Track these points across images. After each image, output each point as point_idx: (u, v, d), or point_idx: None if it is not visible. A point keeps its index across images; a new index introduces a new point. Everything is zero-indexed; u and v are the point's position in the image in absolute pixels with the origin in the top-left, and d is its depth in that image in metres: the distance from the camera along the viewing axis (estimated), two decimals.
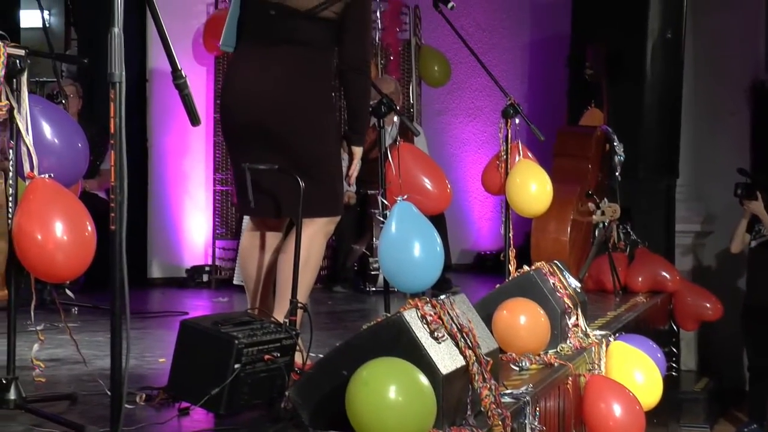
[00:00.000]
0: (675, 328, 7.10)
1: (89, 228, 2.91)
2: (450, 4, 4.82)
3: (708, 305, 7.01)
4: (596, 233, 6.49)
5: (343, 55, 3.91)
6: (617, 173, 6.49)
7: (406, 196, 4.20)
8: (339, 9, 3.83)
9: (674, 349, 7.07)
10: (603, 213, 6.36)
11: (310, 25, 3.85)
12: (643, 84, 7.30)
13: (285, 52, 3.85)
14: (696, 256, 8.70)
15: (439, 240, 4.15)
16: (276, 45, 3.84)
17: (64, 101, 5.82)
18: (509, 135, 5.02)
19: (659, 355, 5.08)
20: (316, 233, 3.85)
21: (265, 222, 4.01)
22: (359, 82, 3.94)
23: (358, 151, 4.02)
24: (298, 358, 3.36)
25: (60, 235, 2.85)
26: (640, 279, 6.67)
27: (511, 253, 5.05)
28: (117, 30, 2.23)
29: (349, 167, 4.05)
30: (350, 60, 3.89)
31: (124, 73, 2.26)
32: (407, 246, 4.06)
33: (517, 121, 5.01)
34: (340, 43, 3.89)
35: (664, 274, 6.79)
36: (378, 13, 7.74)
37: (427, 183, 4.70)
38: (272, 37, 3.85)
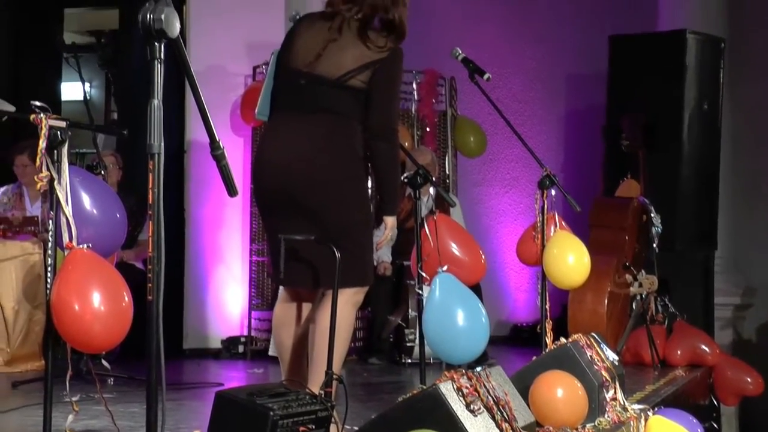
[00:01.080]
0: (715, 402, 6.98)
1: (126, 299, 2.92)
2: (486, 76, 4.84)
3: (749, 380, 6.90)
4: (634, 305, 6.43)
5: (369, 124, 3.91)
6: (655, 245, 6.45)
7: (446, 267, 4.20)
8: (366, 78, 3.87)
9: (715, 425, 6.95)
10: (640, 285, 6.31)
11: (338, 94, 3.89)
12: (680, 155, 7.28)
13: (313, 120, 3.89)
14: (736, 329, 8.59)
15: (484, 310, 4.14)
16: (305, 114, 3.89)
17: (103, 172, 5.88)
18: (545, 206, 5.01)
19: (699, 431, 4.99)
20: (345, 303, 3.83)
21: (298, 292, 4.01)
22: (385, 151, 3.94)
23: (389, 220, 4.02)
24: (333, 431, 3.34)
25: (97, 305, 2.86)
26: (679, 352, 6.59)
27: (548, 325, 5.01)
28: (156, 102, 2.26)
29: (382, 236, 4.06)
30: (376, 128, 3.91)
31: (162, 144, 2.28)
32: (453, 316, 4.05)
33: (553, 192, 5.00)
34: (366, 111, 3.90)
35: (704, 347, 6.70)
36: (414, 85, 7.80)
37: (461, 253, 4.69)
38: (302, 106, 3.90)
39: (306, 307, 4.02)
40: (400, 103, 4.06)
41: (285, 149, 3.85)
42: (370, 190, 4.61)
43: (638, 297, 6.39)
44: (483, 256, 4.84)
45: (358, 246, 3.91)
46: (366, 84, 3.86)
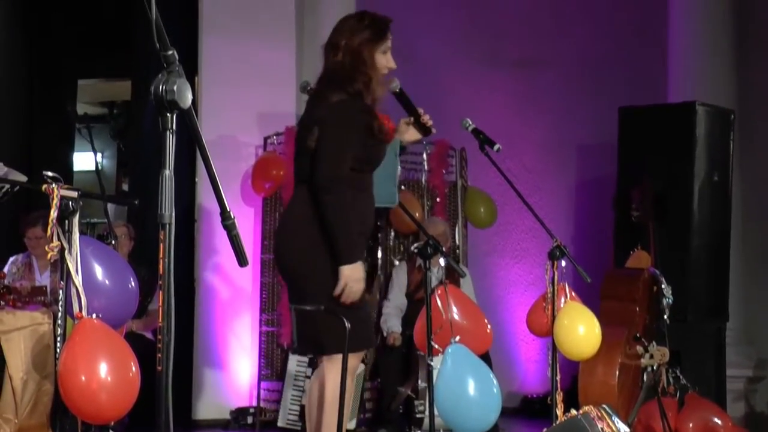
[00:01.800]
0: None
1: (133, 369, 2.92)
2: (496, 147, 4.87)
3: None
4: (645, 377, 6.38)
5: (313, 179, 4.02)
6: (665, 316, 6.41)
7: (458, 338, 4.19)
8: (315, 136, 4.02)
9: None
10: (652, 356, 6.27)
11: (303, 161, 4.13)
12: (690, 226, 7.27)
13: (295, 192, 4.10)
14: (748, 401, 8.51)
15: (496, 381, 4.13)
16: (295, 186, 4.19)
17: (114, 242, 5.90)
18: (556, 276, 5.00)
19: None
20: (329, 371, 3.89)
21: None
22: (330, 203, 3.99)
23: (342, 270, 3.99)
24: None
25: (104, 375, 2.86)
26: (691, 425, 6.52)
27: (559, 397, 4.97)
28: (168, 172, 2.27)
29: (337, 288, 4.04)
30: (318, 181, 3.99)
31: (173, 214, 2.29)
32: (466, 387, 4.04)
33: (563, 262, 5.00)
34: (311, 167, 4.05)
35: (716, 420, 6.63)
36: (424, 155, 7.83)
37: (467, 324, 4.68)
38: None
39: None
40: (347, 153, 4.06)
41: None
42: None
43: (649, 369, 6.34)
44: (489, 326, 4.83)
45: (315, 315, 3.97)
46: (315, 142, 3.96)
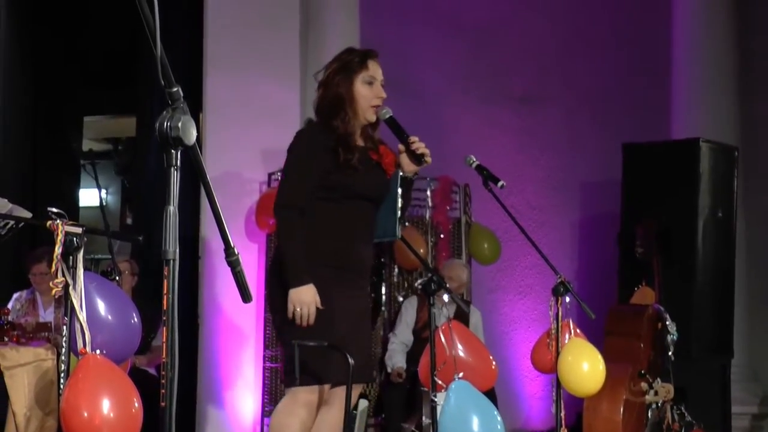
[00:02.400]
0: None
1: (136, 405, 2.92)
2: (500, 183, 4.87)
3: None
4: (650, 414, 6.36)
5: None
6: (670, 352, 6.41)
7: (461, 374, 4.19)
8: None
9: None
10: (656, 393, 6.26)
11: None
12: (694, 262, 7.27)
13: None
14: None
15: (500, 418, 4.12)
16: None
17: (118, 278, 5.90)
18: (560, 313, 5.00)
19: None
20: (288, 403, 4.04)
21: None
22: (276, 226, 4.19)
23: (290, 294, 4.02)
24: None
25: (106, 411, 2.86)
26: None
27: None
28: (172, 208, 2.28)
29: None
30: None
31: (177, 250, 2.30)
32: (469, 424, 4.03)
33: (567, 299, 5.00)
34: None
35: None
36: (428, 192, 7.85)
37: (472, 360, 4.68)
38: None
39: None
40: (299, 180, 4.13)
41: None
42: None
43: (654, 405, 6.33)
44: (494, 363, 4.82)
45: (287, 347, 4.04)
46: None
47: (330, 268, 4.10)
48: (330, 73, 4.25)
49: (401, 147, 4.30)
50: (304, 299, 4.00)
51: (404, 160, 4.33)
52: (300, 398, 4.06)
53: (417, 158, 4.27)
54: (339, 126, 4.15)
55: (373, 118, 4.26)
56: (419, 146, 4.25)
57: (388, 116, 4.29)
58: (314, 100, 4.34)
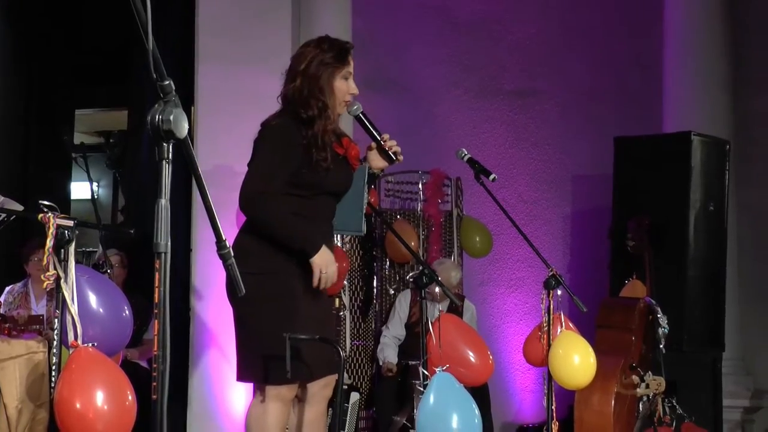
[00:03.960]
0: None
1: (129, 397, 2.93)
2: (492, 176, 4.89)
3: None
4: (641, 407, 6.39)
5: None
6: (661, 345, 6.42)
7: (446, 367, 4.19)
8: None
9: None
10: (647, 386, 6.28)
11: None
12: (686, 256, 7.29)
13: None
14: None
15: (477, 412, 4.12)
16: None
17: (109, 271, 5.91)
18: (551, 306, 5.02)
19: None
20: (255, 401, 4.07)
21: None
22: (254, 219, 4.10)
23: (312, 262, 4.01)
24: None
25: (100, 404, 2.86)
26: None
27: (554, 426, 4.98)
28: (164, 201, 2.28)
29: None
30: (239, 203, 4.17)
31: (169, 243, 2.30)
32: (445, 419, 4.03)
33: (559, 292, 5.01)
34: None
35: None
36: (420, 185, 7.86)
37: (469, 354, 4.69)
38: None
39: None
40: (270, 172, 4.09)
41: None
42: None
43: (645, 398, 6.34)
44: (491, 357, 4.84)
45: (244, 340, 4.16)
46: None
47: (293, 262, 4.07)
48: (309, 64, 4.14)
49: (372, 145, 4.27)
50: (326, 260, 4.01)
51: (374, 156, 4.28)
52: (271, 395, 4.03)
53: (389, 157, 4.23)
54: (316, 120, 4.07)
55: (342, 111, 4.22)
56: (391, 144, 4.22)
57: (358, 112, 4.24)
58: (284, 89, 4.23)
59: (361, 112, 4.21)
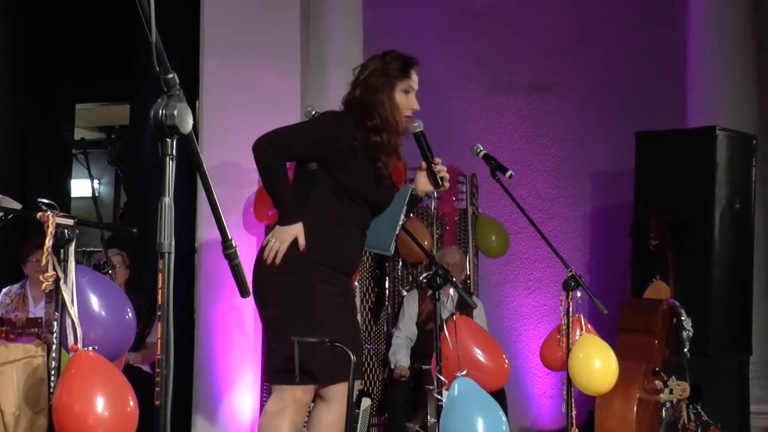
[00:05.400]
0: None
1: (131, 403, 2.92)
2: (508, 173, 4.87)
3: None
4: (664, 413, 6.36)
5: None
6: (686, 349, 6.40)
7: (465, 372, 4.19)
8: None
9: None
10: (671, 391, 6.26)
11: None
12: (711, 255, 7.26)
13: None
14: None
15: (504, 419, 4.13)
16: None
17: (111, 271, 5.91)
18: (570, 308, 5.00)
19: None
20: (274, 398, 4.12)
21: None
22: (256, 162, 4.20)
23: (278, 227, 4.18)
24: None
25: (101, 410, 2.86)
26: None
27: None
28: (167, 200, 2.27)
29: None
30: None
31: (173, 243, 2.30)
32: (471, 425, 4.03)
33: (578, 293, 5.00)
34: None
35: None
36: None
37: (484, 358, 4.68)
38: None
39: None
40: (299, 134, 4.33)
41: None
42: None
43: (669, 404, 6.32)
44: (506, 361, 4.82)
45: (274, 342, 4.18)
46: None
47: (317, 264, 4.13)
48: (370, 75, 4.27)
49: (423, 165, 4.35)
50: (284, 236, 4.12)
51: (421, 179, 4.39)
52: (287, 396, 4.08)
53: (436, 181, 4.32)
54: (382, 130, 4.17)
55: (405, 127, 4.29)
56: (441, 169, 4.31)
57: (418, 130, 4.32)
58: (345, 96, 4.34)
59: (421, 131, 4.30)
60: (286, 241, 4.11)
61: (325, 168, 4.18)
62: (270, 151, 4.15)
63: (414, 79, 4.33)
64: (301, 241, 4.09)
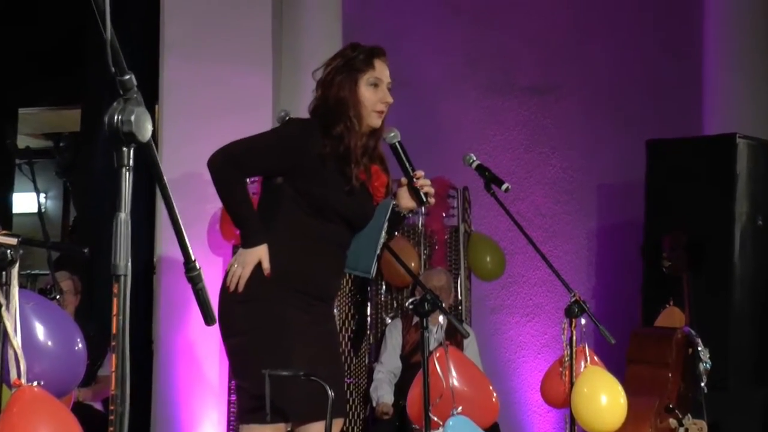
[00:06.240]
0: None
1: None
2: (504, 186, 4.89)
3: None
4: None
5: None
6: (703, 383, 6.42)
7: (460, 409, 4.20)
8: None
9: None
10: (687, 430, 6.27)
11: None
12: (731, 278, 7.28)
13: None
14: None
15: None
16: None
17: (59, 297, 5.89)
18: (574, 337, 5.01)
19: None
20: None
21: None
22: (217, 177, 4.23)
23: (242, 251, 4.16)
24: None
25: None
26: None
27: None
28: (124, 215, 2.27)
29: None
30: None
31: (129, 264, 2.29)
32: None
33: (583, 321, 5.01)
34: None
35: None
36: None
37: (470, 392, 4.68)
38: None
39: None
40: (258, 148, 4.27)
41: None
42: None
43: None
44: (495, 395, 4.83)
45: (241, 377, 4.19)
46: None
47: (287, 289, 4.11)
48: (330, 72, 4.24)
49: (403, 180, 4.32)
50: (247, 259, 4.10)
51: (403, 194, 4.34)
52: None
53: (419, 197, 4.28)
54: (345, 136, 4.14)
55: (377, 124, 4.25)
56: (424, 184, 4.27)
57: (395, 140, 4.29)
58: (311, 103, 4.32)
59: (398, 142, 4.27)
60: (249, 265, 4.09)
61: (291, 182, 4.16)
62: (228, 166, 4.16)
63: (380, 70, 4.26)
64: (266, 265, 4.07)
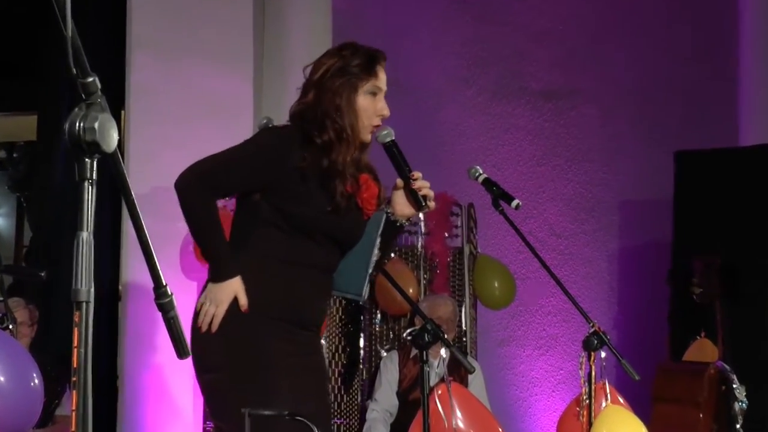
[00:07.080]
0: None
1: None
2: (515, 203, 4.89)
3: None
4: None
5: None
6: (738, 425, 6.42)
7: None
8: None
9: None
10: None
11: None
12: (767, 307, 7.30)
13: None
14: None
15: None
16: None
17: (12, 327, 5.88)
18: (593, 373, 5.01)
19: None
20: None
21: None
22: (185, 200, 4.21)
23: (214, 286, 4.13)
24: None
25: None
26: None
27: None
28: (86, 235, 2.27)
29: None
30: None
31: (92, 290, 2.29)
32: None
33: (603, 354, 5.01)
34: None
35: None
36: (420, 214, 7.85)
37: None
38: None
39: None
40: (231, 164, 4.20)
41: None
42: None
43: None
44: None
45: (218, 417, 4.17)
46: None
47: (267, 317, 4.09)
48: (326, 73, 4.16)
49: (399, 183, 4.27)
50: (219, 296, 4.07)
51: (399, 199, 4.28)
52: None
53: (417, 201, 4.23)
54: (334, 147, 4.11)
55: (368, 139, 4.22)
56: (423, 186, 4.22)
57: (389, 140, 4.25)
58: (294, 105, 4.26)
59: (392, 140, 4.22)
60: (224, 302, 4.06)
61: (269, 198, 4.13)
62: (197, 188, 4.14)
63: (382, 78, 4.25)
64: (243, 301, 4.04)
